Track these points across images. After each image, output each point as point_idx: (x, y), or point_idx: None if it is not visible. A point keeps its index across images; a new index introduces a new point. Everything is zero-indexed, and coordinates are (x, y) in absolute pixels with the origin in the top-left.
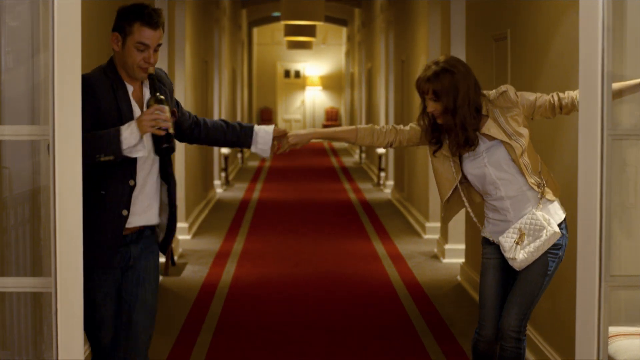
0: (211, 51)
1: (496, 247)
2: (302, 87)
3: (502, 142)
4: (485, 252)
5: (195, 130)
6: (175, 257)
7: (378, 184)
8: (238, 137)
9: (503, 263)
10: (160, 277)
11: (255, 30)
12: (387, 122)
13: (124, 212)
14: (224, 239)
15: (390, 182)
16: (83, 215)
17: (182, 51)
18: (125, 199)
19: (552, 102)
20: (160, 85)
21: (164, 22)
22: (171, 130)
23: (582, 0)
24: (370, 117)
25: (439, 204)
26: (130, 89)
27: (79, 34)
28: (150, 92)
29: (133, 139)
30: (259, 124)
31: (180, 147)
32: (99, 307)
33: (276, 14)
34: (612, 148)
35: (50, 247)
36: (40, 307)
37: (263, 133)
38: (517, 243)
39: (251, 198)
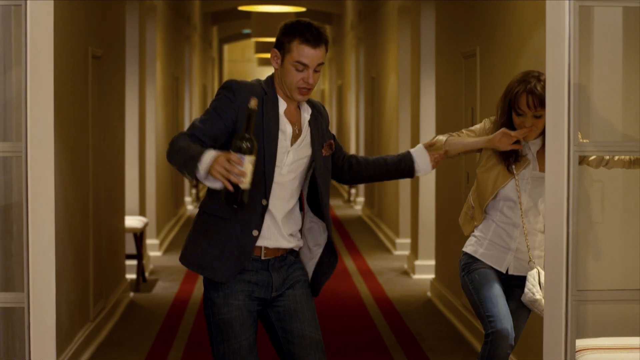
0: (182, 68)
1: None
2: None
3: None
4: (478, 264)
5: (353, 168)
6: (146, 274)
7: (348, 201)
8: (397, 165)
9: (499, 275)
10: (132, 294)
11: (225, 47)
12: (357, 138)
13: (254, 233)
14: None
15: (361, 199)
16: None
17: (153, 67)
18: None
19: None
20: (249, 128)
21: (327, 40)
22: (244, 186)
23: (548, 17)
24: (341, 133)
25: (409, 221)
26: (283, 105)
27: (51, 51)
28: (238, 135)
29: (203, 171)
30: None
31: (150, 163)
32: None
33: (247, 31)
34: (579, 164)
35: (23, 262)
36: (12, 323)
37: (418, 152)
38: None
39: None
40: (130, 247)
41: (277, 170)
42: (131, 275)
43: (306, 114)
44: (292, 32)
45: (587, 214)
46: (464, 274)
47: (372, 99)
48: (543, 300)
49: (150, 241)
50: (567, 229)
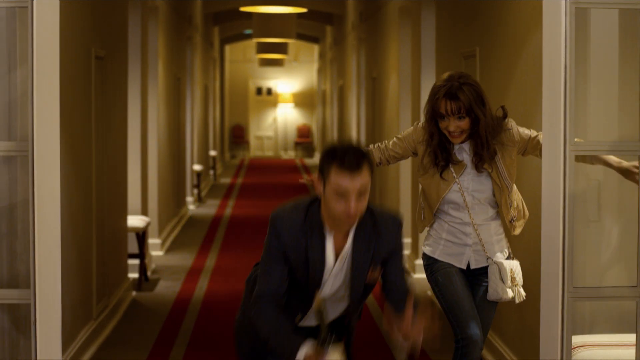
0: (183, 68)
1: (448, 263)
2: (274, 104)
3: (492, 178)
4: (440, 265)
5: (386, 294)
6: (148, 273)
7: None
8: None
9: (462, 271)
10: (134, 293)
11: (227, 48)
12: (358, 138)
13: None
14: (196, 255)
15: None
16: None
17: (155, 67)
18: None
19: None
20: (326, 321)
21: (371, 163)
22: None
23: (545, 18)
24: (342, 133)
25: (409, 221)
26: (330, 237)
27: (57, 52)
28: (319, 330)
29: None
30: (231, 141)
31: (152, 163)
32: None
33: (248, 31)
34: (575, 164)
35: (29, 260)
36: (17, 320)
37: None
38: (512, 285)
39: (223, 215)
40: (133, 246)
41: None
42: (133, 275)
43: (350, 242)
44: (330, 156)
45: (584, 212)
46: (427, 275)
47: (373, 99)
48: (509, 291)
49: (152, 240)
50: (563, 227)
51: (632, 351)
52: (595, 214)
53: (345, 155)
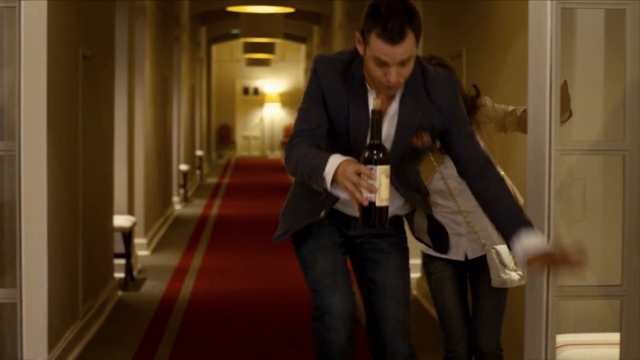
0: (170, 68)
1: (444, 260)
2: (261, 104)
3: None
4: (434, 267)
5: (469, 182)
6: (135, 273)
7: None
8: (502, 224)
9: (456, 274)
10: (120, 293)
11: (214, 48)
12: None
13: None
14: (182, 254)
15: None
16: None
17: (142, 67)
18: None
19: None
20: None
21: (417, 26)
22: (380, 204)
23: (531, 18)
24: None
25: None
26: (372, 94)
27: (44, 51)
28: (366, 144)
29: (330, 182)
30: (217, 141)
31: (139, 163)
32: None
33: (235, 31)
34: (560, 163)
35: (16, 259)
36: (2, 321)
37: (520, 249)
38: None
39: (210, 214)
40: (119, 246)
41: None
42: (119, 274)
43: (395, 104)
44: (371, 17)
45: (569, 211)
46: (425, 275)
47: None
48: (514, 274)
49: (139, 240)
50: (548, 226)
51: (616, 350)
52: (580, 213)
53: (388, 21)
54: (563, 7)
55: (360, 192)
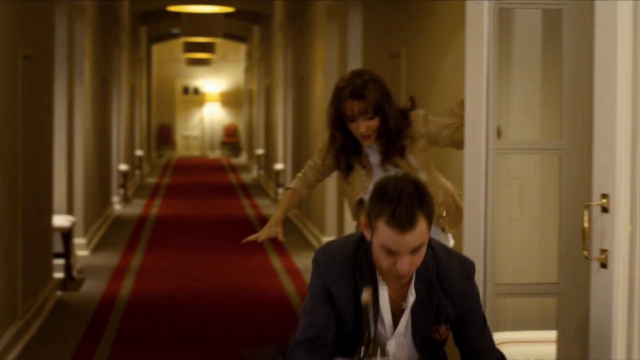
0: (110, 68)
1: None
2: (201, 103)
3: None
4: None
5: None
6: (74, 273)
7: (275, 200)
8: None
9: None
10: (59, 293)
11: (154, 47)
12: (285, 139)
13: None
14: (122, 254)
15: None
16: None
17: (82, 67)
18: None
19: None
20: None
21: (429, 212)
22: None
23: (468, 18)
24: (269, 133)
25: (335, 219)
26: (383, 289)
27: None
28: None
29: None
30: (157, 141)
31: (78, 163)
32: None
33: (175, 31)
34: (497, 162)
35: None
36: None
37: None
38: None
39: (149, 214)
40: (58, 245)
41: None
42: (59, 274)
43: (411, 297)
44: (378, 202)
45: (506, 210)
46: None
47: (300, 98)
48: None
49: (78, 240)
50: (485, 225)
51: (554, 347)
52: (517, 212)
53: (397, 206)
54: (500, 7)
55: None
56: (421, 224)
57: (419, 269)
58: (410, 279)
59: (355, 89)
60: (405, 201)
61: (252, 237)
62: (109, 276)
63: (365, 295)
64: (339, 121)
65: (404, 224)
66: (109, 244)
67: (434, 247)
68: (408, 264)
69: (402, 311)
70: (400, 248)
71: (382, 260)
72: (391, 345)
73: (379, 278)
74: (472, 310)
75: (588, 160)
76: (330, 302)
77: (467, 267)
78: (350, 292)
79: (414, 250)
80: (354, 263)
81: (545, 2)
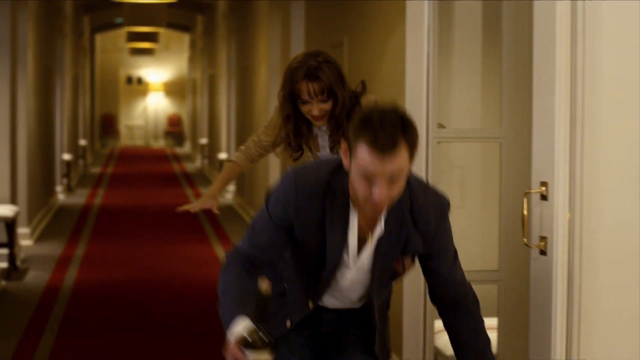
0: (53, 58)
1: None
2: (145, 93)
3: None
4: None
5: (443, 312)
6: (18, 262)
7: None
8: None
9: None
10: (3, 282)
11: (97, 37)
12: (228, 128)
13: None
14: (66, 244)
15: (232, 187)
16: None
17: (25, 57)
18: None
19: None
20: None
21: (412, 139)
22: None
23: (408, 10)
24: (212, 122)
25: None
26: (354, 214)
27: None
28: (248, 326)
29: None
30: (101, 131)
31: (22, 152)
32: None
33: (119, 20)
34: (438, 151)
35: None
36: None
37: None
38: None
39: (93, 204)
40: (2, 235)
41: (334, 281)
42: (2, 264)
43: (379, 228)
44: (361, 126)
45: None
46: None
47: (243, 89)
48: None
49: (22, 230)
50: None
51: (495, 334)
52: (459, 200)
53: (379, 130)
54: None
55: None
56: (402, 151)
57: (391, 207)
58: (383, 213)
59: (310, 70)
60: (388, 125)
61: (186, 207)
62: (52, 266)
63: (264, 285)
64: (291, 102)
65: (385, 147)
66: (52, 234)
67: (411, 183)
68: (385, 192)
69: (369, 241)
70: (379, 173)
71: (359, 187)
72: (350, 274)
73: (352, 206)
74: (443, 248)
75: (527, 148)
76: (284, 229)
77: (442, 205)
78: (316, 221)
79: (392, 179)
80: (326, 191)
81: None
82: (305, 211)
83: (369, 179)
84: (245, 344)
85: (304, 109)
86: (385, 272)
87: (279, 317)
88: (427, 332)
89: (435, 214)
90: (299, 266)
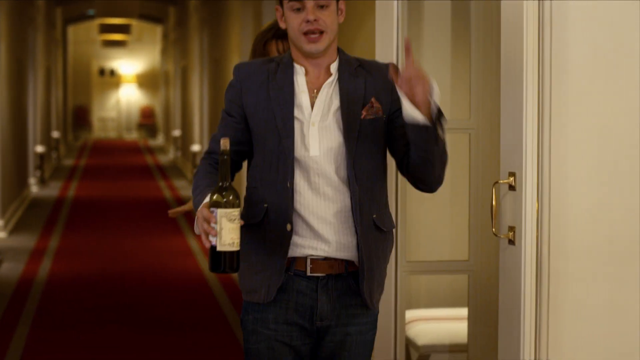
0: (25, 49)
1: None
2: (117, 85)
3: None
4: None
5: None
6: None
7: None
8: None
9: None
10: None
11: (70, 29)
12: (201, 120)
13: (288, 227)
14: (39, 236)
15: None
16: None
17: None
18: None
19: None
20: (227, 181)
21: None
22: (220, 248)
23: (378, 10)
24: (185, 114)
25: None
26: (300, 70)
27: None
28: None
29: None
30: (74, 123)
31: None
32: None
33: (91, 12)
34: None
35: None
36: None
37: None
38: None
39: (67, 196)
40: None
41: (305, 154)
42: None
43: (331, 76)
44: None
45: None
46: None
47: (216, 80)
48: None
49: None
50: (396, 204)
51: (465, 324)
52: None
53: None
54: None
55: (207, 237)
56: None
57: (340, 59)
58: (332, 65)
59: (280, 31)
60: None
61: (176, 210)
62: (26, 258)
63: (223, 142)
64: None
65: None
66: (26, 226)
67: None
68: (315, 15)
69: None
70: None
71: (293, 24)
72: (314, 132)
73: (297, 67)
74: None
75: (496, 139)
76: (239, 116)
77: (387, 64)
78: (263, 93)
79: (321, 6)
80: (269, 63)
81: None
82: (250, 84)
83: (299, 10)
84: (212, 204)
85: None
86: (354, 122)
87: (255, 201)
88: (399, 322)
89: (385, 66)
90: (264, 153)
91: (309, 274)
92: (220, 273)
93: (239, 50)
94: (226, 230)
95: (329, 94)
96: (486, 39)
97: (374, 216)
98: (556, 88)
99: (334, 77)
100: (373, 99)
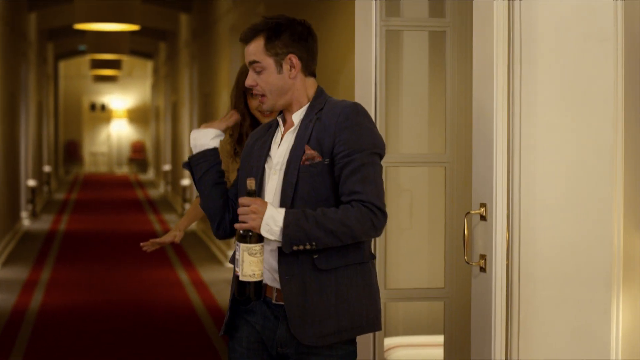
0: (17, 84)
1: None
2: (108, 119)
3: None
4: None
5: None
6: None
7: (182, 215)
8: None
9: None
10: None
11: (61, 64)
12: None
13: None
14: (31, 268)
15: None
16: None
17: None
18: None
19: None
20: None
21: (271, 36)
22: (243, 279)
23: (357, 40)
24: (176, 149)
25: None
26: (281, 122)
27: None
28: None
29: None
30: (65, 157)
31: None
32: None
33: (82, 47)
34: (388, 175)
35: None
36: None
37: None
38: None
39: (58, 229)
40: None
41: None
42: None
43: (293, 127)
44: None
45: (397, 220)
46: None
47: (206, 115)
48: None
49: None
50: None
51: (442, 350)
52: (407, 222)
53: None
54: (388, 29)
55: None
56: (258, 41)
57: (311, 105)
58: (294, 116)
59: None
60: (252, 24)
61: (149, 243)
62: (18, 290)
63: (249, 182)
64: (243, 97)
65: (243, 35)
66: (18, 259)
67: (332, 98)
68: (252, 79)
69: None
70: (247, 63)
71: None
72: (273, 179)
73: (280, 124)
74: (348, 148)
75: (469, 172)
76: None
77: (351, 107)
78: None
79: (255, 68)
80: (269, 128)
81: (430, 25)
82: (253, 143)
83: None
84: (238, 238)
85: (252, 103)
86: (294, 169)
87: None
88: (377, 349)
89: (342, 112)
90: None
91: (274, 301)
92: (245, 300)
93: (228, 85)
94: (247, 263)
95: (290, 142)
96: (460, 74)
97: (315, 256)
98: (525, 123)
99: (295, 127)
100: (306, 146)
